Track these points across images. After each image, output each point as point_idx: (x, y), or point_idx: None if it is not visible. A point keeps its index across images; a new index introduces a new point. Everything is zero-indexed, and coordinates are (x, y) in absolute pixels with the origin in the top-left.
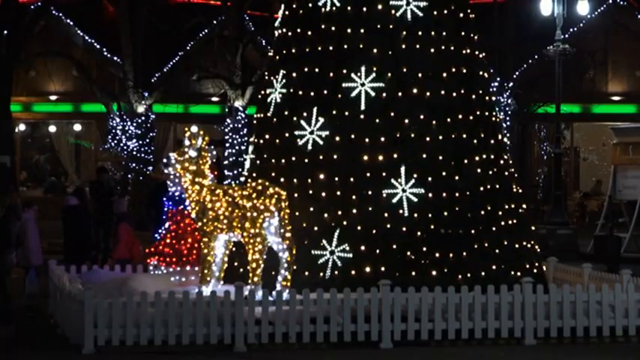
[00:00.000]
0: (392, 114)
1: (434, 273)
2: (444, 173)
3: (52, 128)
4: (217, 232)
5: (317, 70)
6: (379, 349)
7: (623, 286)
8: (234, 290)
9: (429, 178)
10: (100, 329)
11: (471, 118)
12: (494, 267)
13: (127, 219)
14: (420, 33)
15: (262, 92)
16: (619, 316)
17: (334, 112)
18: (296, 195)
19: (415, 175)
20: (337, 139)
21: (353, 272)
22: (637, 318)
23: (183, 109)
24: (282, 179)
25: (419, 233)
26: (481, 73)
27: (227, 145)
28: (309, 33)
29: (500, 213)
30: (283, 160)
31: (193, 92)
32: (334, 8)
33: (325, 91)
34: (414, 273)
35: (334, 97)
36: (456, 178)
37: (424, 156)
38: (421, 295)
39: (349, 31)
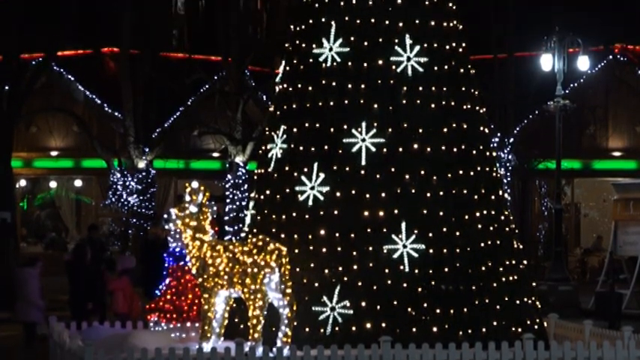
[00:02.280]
0: (392, 169)
1: (435, 329)
2: (444, 229)
3: (53, 184)
4: (218, 288)
5: (318, 125)
6: None
7: (625, 343)
8: (234, 347)
9: (430, 234)
10: None
11: (472, 173)
12: (495, 323)
13: (129, 273)
14: (420, 88)
15: (263, 148)
16: None
17: (335, 168)
18: (297, 251)
19: (416, 231)
20: (338, 194)
21: (354, 328)
22: None
23: (183, 165)
24: (282, 235)
25: (420, 289)
26: (482, 128)
27: (228, 200)
28: (310, 88)
29: (500, 269)
30: (284, 216)
31: (194, 148)
32: (335, 64)
33: (326, 147)
34: (414, 329)
35: (335, 152)
36: (457, 233)
37: (425, 212)
38: (422, 352)
39: (350, 86)
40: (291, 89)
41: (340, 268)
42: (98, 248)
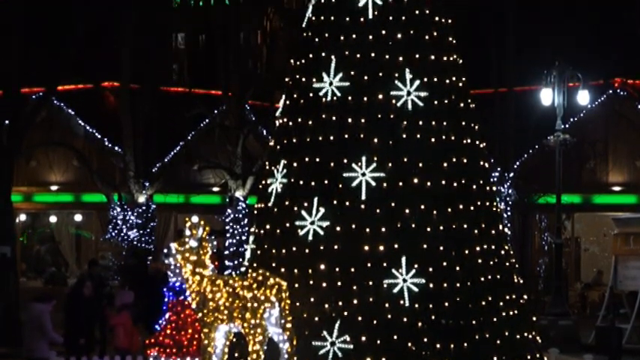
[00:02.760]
0: (393, 204)
1: None
2: (444, 263)
3: (53, 218)
4: (218, 323)
5: (318, 159)
6: None
7: None
8: None
9: (430, 269)
10: None
11: (472, 208)
12: (495, 358)
13: (129, 309)
14: (420, 123)
15: (263, 182)
16: None
17: (335, 202)
18: (297, 285)
19: (416, 266)
20: (338, 229)
21: None
22: None
23: (183, 199)
24: (282, 269)
25: (420, 324)
26: (482, 163)
27: (228, 235)
28: (310, 122)
29: (501, 303)
30: (284, 251)
31: (194, 182)
32: (335, 98)
33: (326, 181)
34: None
35: (335, 186)
36: (457, 268)
37: (425, 246)
38: None
39: (350, 120)
40: (291, 123)
41: (340, 303)
42: (98, 283)
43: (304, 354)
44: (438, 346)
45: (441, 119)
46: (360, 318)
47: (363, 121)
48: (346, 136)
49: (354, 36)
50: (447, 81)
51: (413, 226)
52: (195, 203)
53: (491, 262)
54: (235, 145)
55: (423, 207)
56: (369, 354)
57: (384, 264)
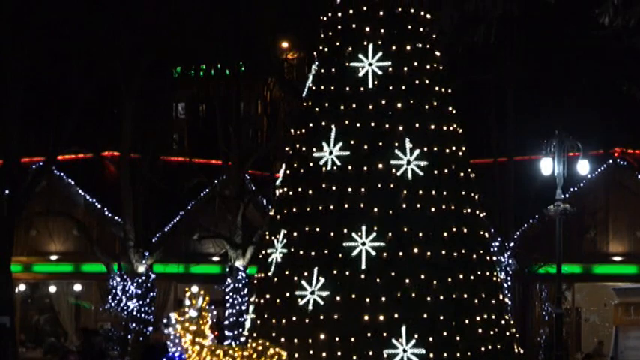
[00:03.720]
0: (393, 273)
1: None
2: (445, 333)
3: (53, 288)
4: None
5: (318, 229)
6: None
7: None
8: None
9: (430, 338)
10: None
11: (472, 278)
12: None
13: None
14: (420, 192)
15: (263, 252)
16: None
17: (335, 272)
18: (297, 355)
19: (416, 335)
20: (338, 298)
21: None
22: None
23: (183, 269)
24: (282, 339)
25: None
26: (482, 232)
27: (228, 304)
28: (310, 192)
29: None
30: (284, 320)
31: (194, 252)
32: (335, 167)
33: (326, 251)
34: None
35: (335, 256)
36: (457, 338)
37: (425, 316)
38: None
39: (350, 190)
40: (291, 193)
41: None
42: (97, 354)
43: None
44: None
45: (441, 189)
46: None
47: (363, 190)
48: (346, 205)
49: (354, 105)
50: (447, 150)
51: (413, 295)
52: (195, 273)
53: (492, 332)
54: (235, 215)
55: (423, 276)
56: None
57: (384, 333)
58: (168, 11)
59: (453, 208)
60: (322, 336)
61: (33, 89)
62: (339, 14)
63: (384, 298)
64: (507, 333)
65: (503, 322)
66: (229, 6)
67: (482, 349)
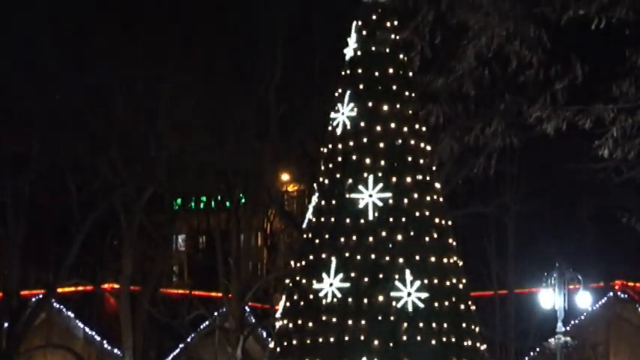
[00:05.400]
0: None
1: None
2: None
3: None
4: None
5: None
6: None
7: None
8: None
9: None
10: None
11: None
12: None
13: None
14: (421, 324)
15: None
16: None
17: None
18: None
19: None
20: None
21: None
22: None
23: None
24: None
25: None
26: None
27: None
28: (310, 324)
29: None
30: None
31: None
32: (335, 299)
33: None
34: None
35: None
36: None
37: None
38: None
39: (350, 322)
40: (291, 325)
41: None
42: None
43: None
44: None
45: (441, 321)
46: None
47: (363, 322)
48: (347, 337)
49: (354, 237)
50: (448, 283)
51: None
52: None
53: None
54: (235, 347)
55: None
56: None
57: None
58: (167, 148)
59: (453, 340)
60: None
61: (33, 223)
62: (340, 145)
63: None
64: None
65: None
66: (229, 140)
67: None
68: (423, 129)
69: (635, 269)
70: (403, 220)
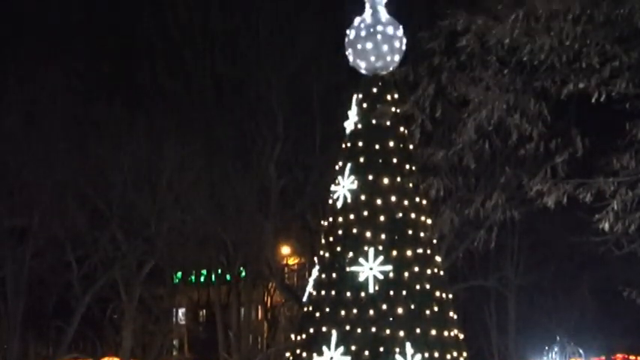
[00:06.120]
0: None
1: None
2: None
3: None
4: None
5: None
6: None
7: None
8: None
9: None
10: None
11: None
12: None
13: None
14: None
15: None
16: None
17: None
18: None
19: None
20: None
21: None
22: None
23: None
24: None
25: None
26: None
27: None
28: None
29: None
30: None
31: None
32: None
33: None
34: None
35: None
36: None
37: None
38: None
39: None
40: None
41: None
42: None
43: None
44: None
45: None
46: None
47: None
48: None
49: (354, 311)
50: (449, 356)
51: None
52: None
53: None
54: None
55: None
56: None
57: None
58: (168, 221)
59: None
60: None
61: (33, 296)
62: (340, 219)
63: None
64: None
65: None
66: (230, 213)
67: None
68: (424, 202)
69: (636, 342)
70: (404, 293)
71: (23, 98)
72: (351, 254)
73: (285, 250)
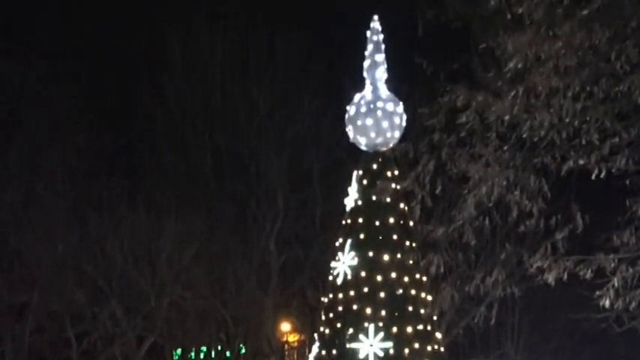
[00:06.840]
0: None
1: None
2: None
3: None
4: None
5: None
6: None
7: None
8: None
9: None
10: None
11: None
12: None
13: None
14: None
15: None
16: None
17: None
18: None
19: None
20: None
21: None
22: None
23: None
24: None
25: None
26: None
27: None
28: None
29: None
30: None
31: None
32: None
33: None
34: None
35: None
36: None
37: None
38: None
39: None
40: None
41: None
42: None
43: None
44: None
45: None
46: None
47: None
48: None
49: None
50: None
51: None
52: None
53: None
54: None
55: None
56: None
57: None
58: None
59: None
60: None
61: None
62: (340, 295)
63: None
64: None
65: None
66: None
67: None
68: (424, 279)
69: None
70: None
71: (23, 173)
72: (351, 331)
73: (286, 326)
